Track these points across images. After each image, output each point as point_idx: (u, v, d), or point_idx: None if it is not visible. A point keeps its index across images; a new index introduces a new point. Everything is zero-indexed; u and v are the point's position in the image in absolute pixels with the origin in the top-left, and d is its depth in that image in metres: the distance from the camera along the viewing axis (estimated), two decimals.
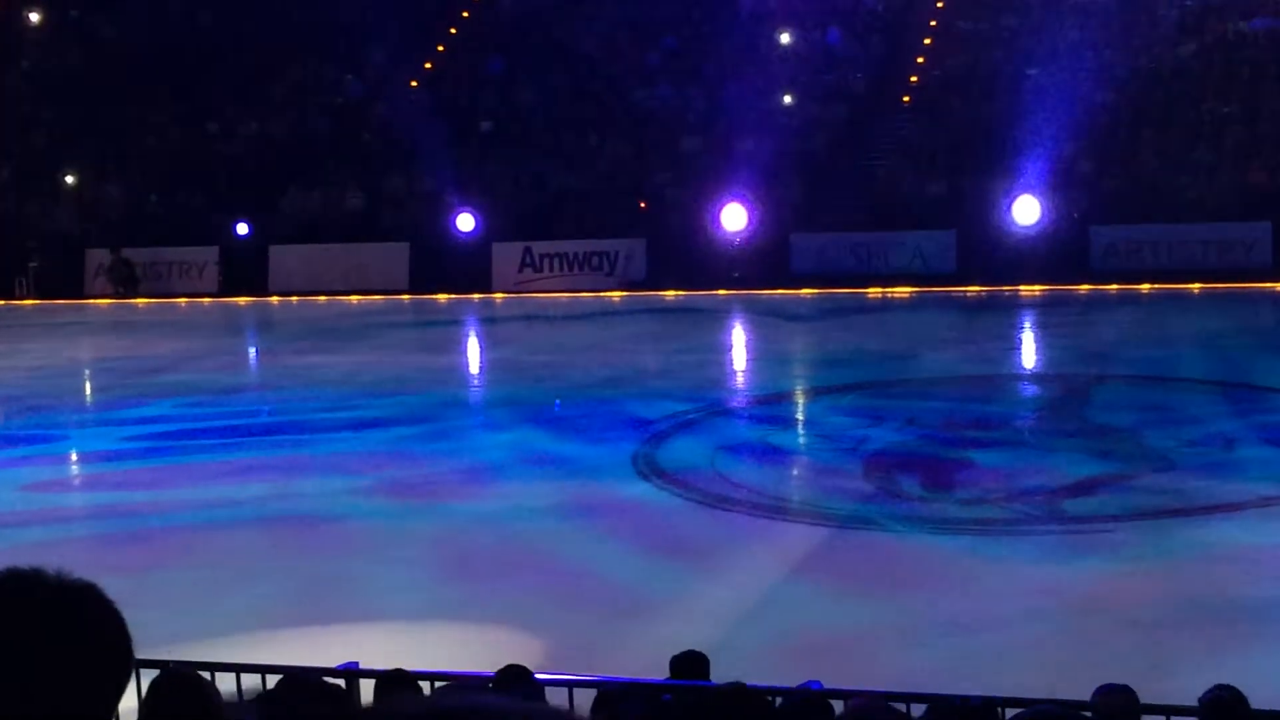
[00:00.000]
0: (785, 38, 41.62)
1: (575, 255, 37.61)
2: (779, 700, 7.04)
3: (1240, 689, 7.25)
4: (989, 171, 33.83)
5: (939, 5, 40.26)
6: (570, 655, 10.19)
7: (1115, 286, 31.32)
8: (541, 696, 6.88)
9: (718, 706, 6.64)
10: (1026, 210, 32.84)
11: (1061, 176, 33.16)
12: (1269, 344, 25.96)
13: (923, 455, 19.39)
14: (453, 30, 45.59)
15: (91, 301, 40.36)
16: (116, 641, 2.26)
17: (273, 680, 6.58)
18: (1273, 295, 29.77)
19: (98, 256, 41.16)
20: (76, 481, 20.44)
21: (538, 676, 7.81)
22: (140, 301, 40.01)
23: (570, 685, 8.05)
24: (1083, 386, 23.56)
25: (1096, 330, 28.37)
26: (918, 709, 7.15)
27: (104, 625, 2.25)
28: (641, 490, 17.65)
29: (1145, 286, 31.02)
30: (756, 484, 18.11)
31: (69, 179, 43.86)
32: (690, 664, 8.62)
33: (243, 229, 40.29)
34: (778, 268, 35.18)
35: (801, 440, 22.00)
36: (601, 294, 36.51)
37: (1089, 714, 6.87)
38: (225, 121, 44.56)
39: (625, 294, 36.21)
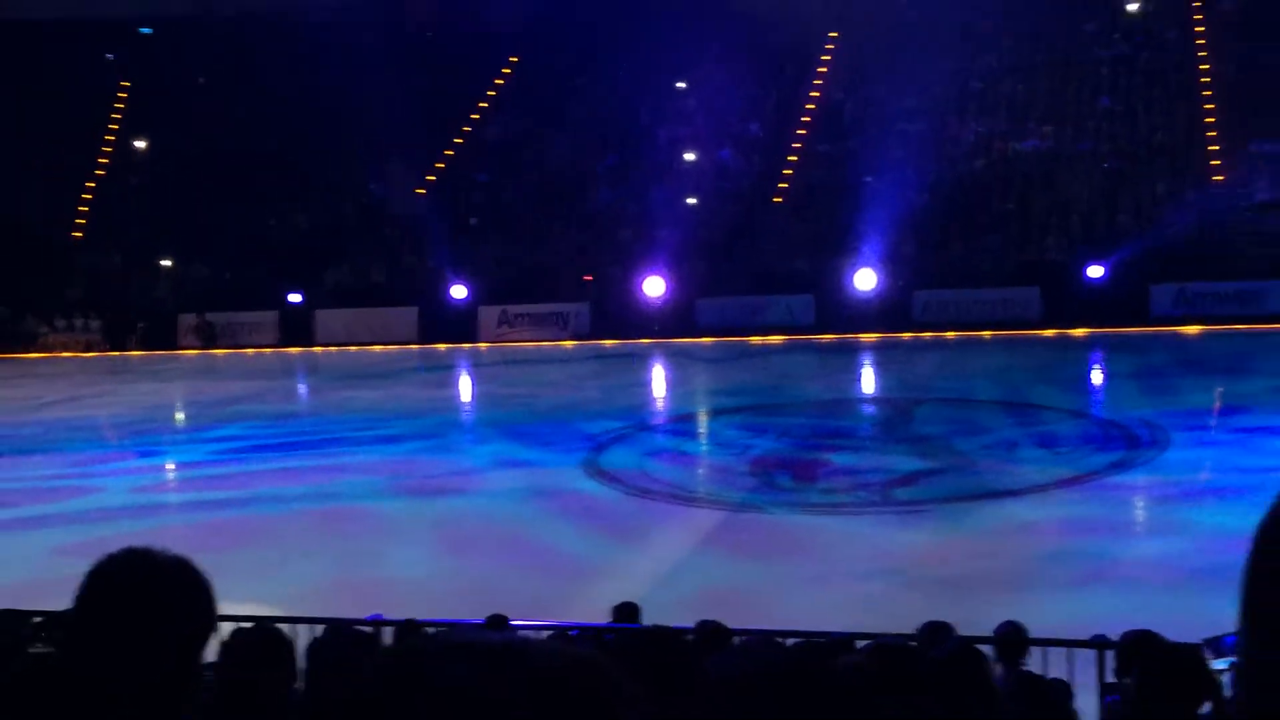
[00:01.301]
0: (691, 155, 41.78)
1: (539, 315, 37.55)
2: (690, 637, 7.01)
3: (1022, 623, 7.30)
4: (839, 251, 33.95)
5: (801, 132, 40.42)
6: (535, 607, 10.15)
7: (930, 334, 31.44)
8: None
9: (647, 642, 6.62)
10: (865, 279, 32.99)
11: (891, 254, 33.30)
12: (1039, 375, 26.09)
13: (793, 458, 19.43)
14: (449, 152, 45.49)
15: (182, 353, 39.94)
16: (205, 603, 2.26)
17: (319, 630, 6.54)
18: (1041, 340, 29.95)
19: (187, 319, 40.81)
20: (173, 484, 20.21)
21: (513, 623, 7.78)
22: (219, 352, 39.65)
23: (536, 629, 8.02)
24: (907, 407, 23.58)
25: (916, 366, 28.40)
26: (793, 642, 7.13)
27: (196, 590, 2.25)
28: (588, 486, 17.59)
29: (951, 334, 31.15)
30: (672, 480, 18.10)
31: (165, 261, 43.51)
32: (626, 613, 8.60)
33: (295, 297, 40.01)
34: (687, 323, 35.21)
35: (705, 448, 21.99)
36: (558, 343, 36.43)
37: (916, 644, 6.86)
38: (280, 214, 44.31)
39: (576, 343, 36.15)
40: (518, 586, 12.28)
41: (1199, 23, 37.47)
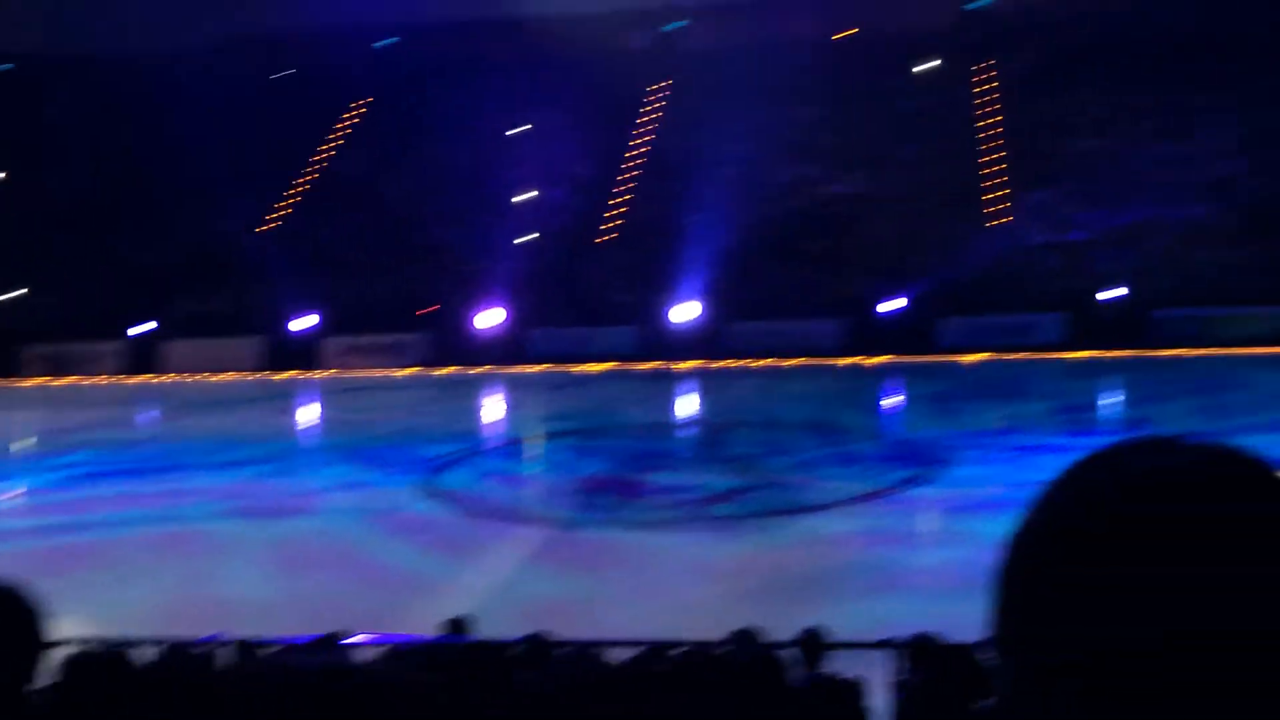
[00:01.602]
0: (525, 195, 41.66)
1: (382, 345, 36.95)
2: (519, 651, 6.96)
3: (823, 628, 7.40)
4: (662, 285, 34.20)
5: (629, 174, 40.69)
6: (370, 623, 9.94)
7: (744, 362, 31.73)
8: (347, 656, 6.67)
9: (469, 655, 6.54)
10: (685, 311, 33.28)
11: (709, 288, 33.63)
12: (842, 399, 26.63)
13: (617, 478, 19.43)
14: (297, 188, 44.57)
15: (26, 383, 38.21)
16: (33, 628, 2.16)
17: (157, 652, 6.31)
18: (844, 368, 30.51)
19: (32, 350, 39.06)
20: (14, 510, 19.29)
21: (346, 640, 7.61)
22: (64, 381, 38.06)
23: (376, 644, 7.85)
24: (723, 429, 23.80)
25: (731, 392, 28.58)
26: (622, 653, 7.10)
27: (23, 615, 2.15)
28: (424, 506, 17.34)
29: (763, 362, 31.49)
30: (505, 500, 17.96)
31: (9, 294, 41.60)
32: (456, 627, 8.49)
33: (142, 327, 38.63)
34: (521, 352, 35.05)
35: (535, 469, 21.88)
36: (399, 372, 35.89)
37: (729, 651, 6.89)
38: (130, 247, 42.78)
39: (416, 371, 35.64)
40: (354, 604, 12.03)
41: (982, 82, 39.00)
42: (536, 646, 6.92)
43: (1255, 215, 31.92)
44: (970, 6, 41.19)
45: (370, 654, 7.30)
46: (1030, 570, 0.94)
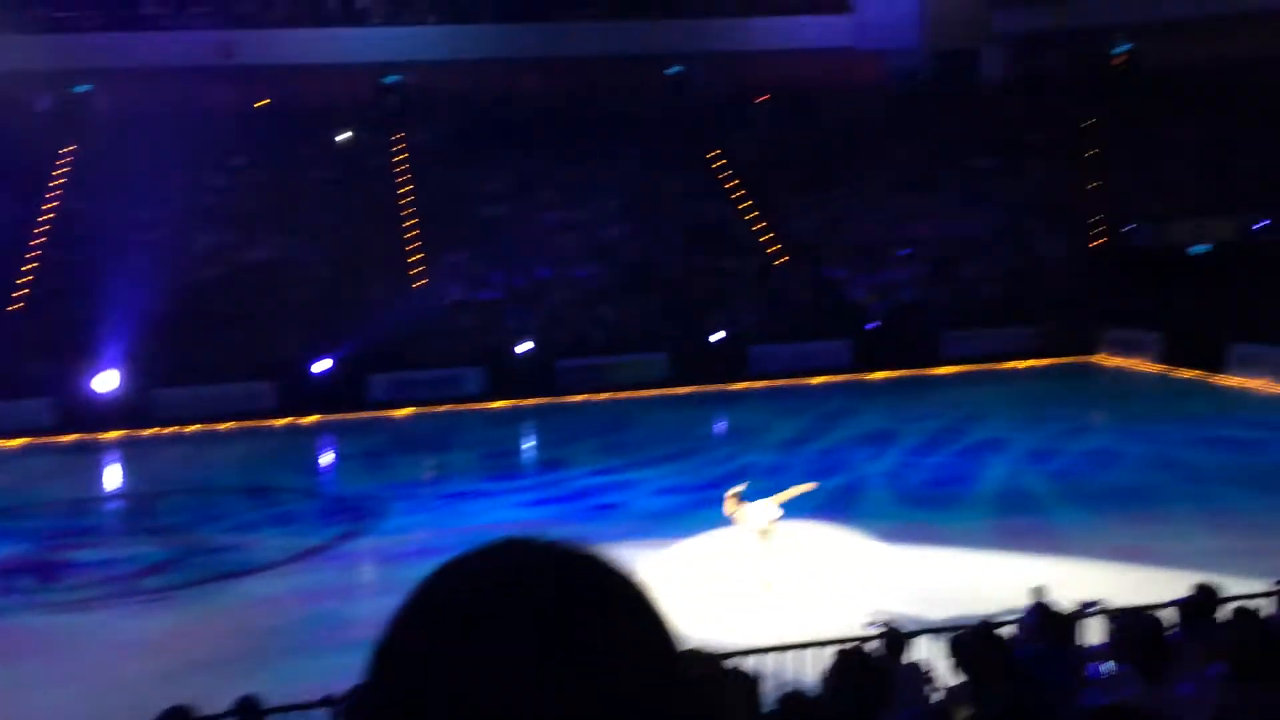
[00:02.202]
0: None
1: None
2: None
3: (261, 694, 7.24)
4: (79, 354, 31.54)
5: (34, 243, 37.42)
6: None
7: (172, 429, 29.82)
8: None
9: None
10: (106, 380, 31.03)
11: (131, 355, 31.46)
12: (276, 461, 25.75)
13: (35, 559, 17.82)
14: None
15: None
16: None
17: None
18: (277, 429, 29.71)
19: None
20: None
21: None
22: None
23: None
24: (151, 500, 22.34)
25: (159, 461, 26.50)
26: None
27: None
28: None
29: (192, 428, 29.80)
30: None
31: None
32: None
33: None
34: None
35: None
36: None
37: None
38: None
39: None
40: None
41: (398, 152, 39.89)
42: None
43: (635, 274, 34.92)
44: (386, 80, 42.09)
45: None
46: (387, 653, 0.99)
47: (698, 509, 18.06)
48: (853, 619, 12.62)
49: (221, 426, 29.28)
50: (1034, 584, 9.32)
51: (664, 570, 15.31)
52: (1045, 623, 7.49)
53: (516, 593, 0.98)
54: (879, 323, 33.10)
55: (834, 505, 18.22)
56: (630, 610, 1.01)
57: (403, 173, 39.34)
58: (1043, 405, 26.84)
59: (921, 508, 18.14)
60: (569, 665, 0.95)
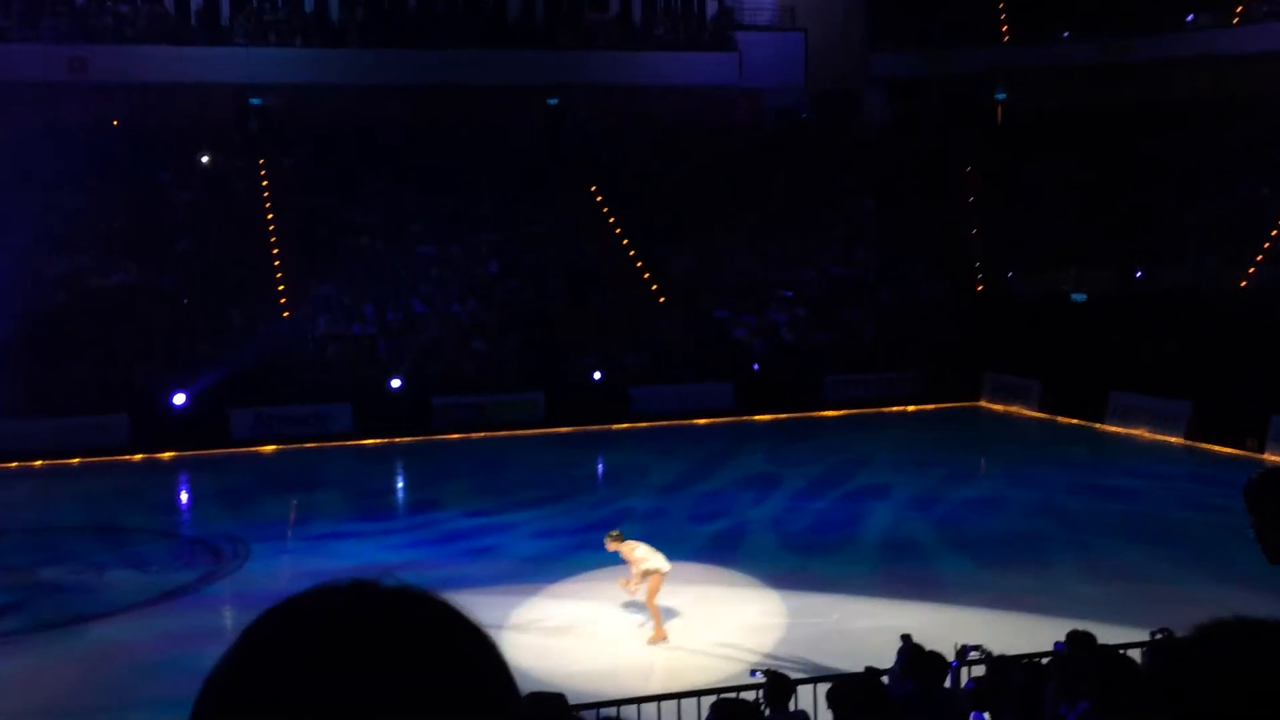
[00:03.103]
0: None
1: None
2: None
3: None
4: None
5: None
6: None
7: (14, 465, 28.85)
8: None
9: None
10: None
11: None
12: (129, 499, 24.95)
13: None
14: None
15: None
16: None
17: None
18: (130, 465, 28.81)
19: None
20: None
21: None
22: None
23: None
24: None
25: (2, 498, 25.62)
26: None
27: None
28: None
29: (38, 463, 28.82)
30: None
31: None
32: None
33: None
34: None
35: None
36: None
37: None
38: None
39: None
40: None
41: (265, 178, 39.25)
42: None
43: (511, 312, 34.96)
44: (252, 101, 41.43)
45: None
46: (206, 699, 1.03)
47: (576, 552, 18.01)
48: (734, 666, 12.90)
49: (73, 461, 28.43)
50: (905, 630, 9.61)
51: (538, 615, 15.30)
52: (914, 663, 7.62)
53: (342, 638, 1.00)
54: (757, 365, 33.60)
55: (717, 550, 18.42)
56: (463, 657, 1.03)
57: (269, 199, 38.75)
58: (926, 450, 27.45)
59: (805, 554, 18.33)
60: (396, 714, 0.97)
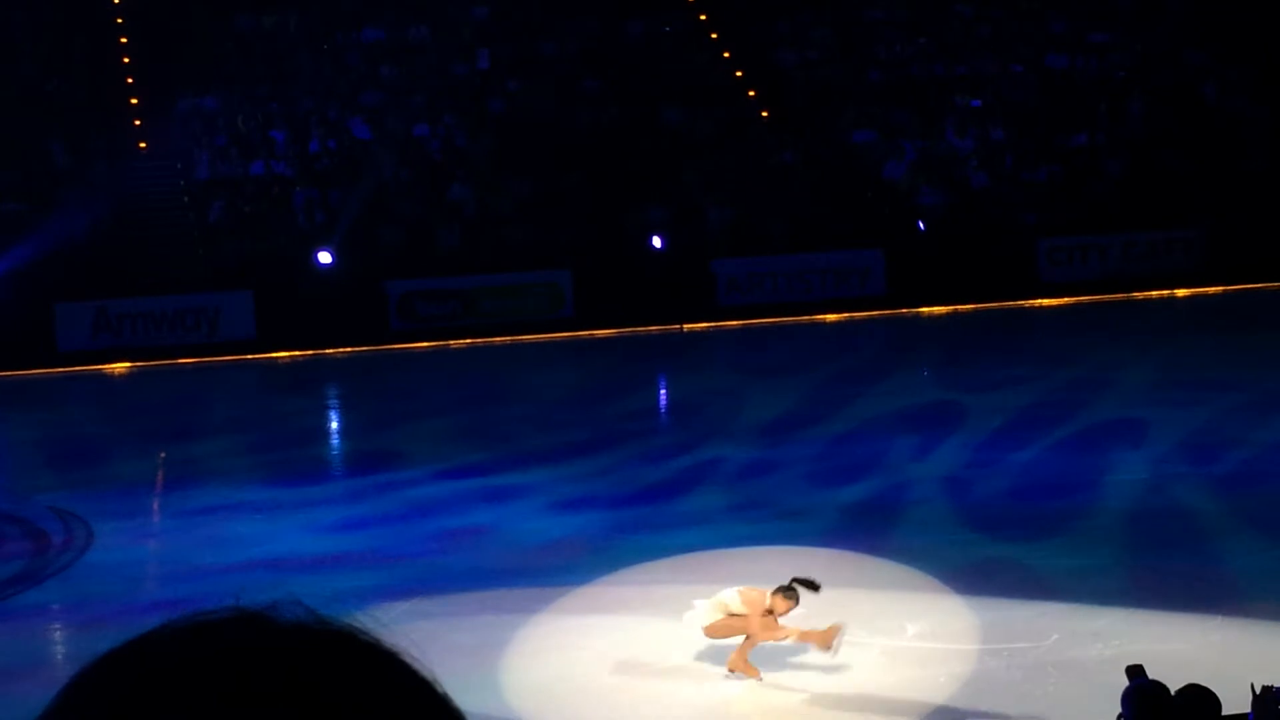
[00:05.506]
0: None
1: None
2: None
3: None
4: None
5: None
6: None
7: None
8: None
9: None
10: None
11: None
12: None
13: None
14: None
15: None
16: None
17: None
18: (255, 366, 29.78)
19: None
20: None
21: None
22: None
23: None
24: None
25: None
26: None
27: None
28: None
29: None
30: None
31: None
32: None
33: None
34: None
35: None
36: None
37: None
38: None
39: None
40: None
41: None
42: None
43: (515, 135, 34.62)
44: None
45: None
46: None
47: (621, 535, 18.76)
48: None
49: None
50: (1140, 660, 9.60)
51: (558, 639, 15.40)
52: (1148, 712, 8.07)
53: (205, 714, 1.09)
54: (924, 224, 34.18)
55: (858, 529, 18.81)
56: None
57: None
58: (1208, 362, 28.24)
59: (1002, 535, 18.71)
60: None
